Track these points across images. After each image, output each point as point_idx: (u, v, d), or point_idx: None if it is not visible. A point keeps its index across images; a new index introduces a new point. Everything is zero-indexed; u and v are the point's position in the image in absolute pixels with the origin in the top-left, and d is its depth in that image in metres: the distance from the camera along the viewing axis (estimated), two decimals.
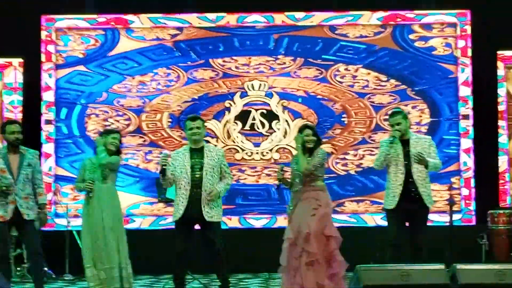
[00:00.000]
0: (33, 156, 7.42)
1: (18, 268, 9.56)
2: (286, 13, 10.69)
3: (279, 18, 10.70)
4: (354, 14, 10.67)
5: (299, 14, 10.68)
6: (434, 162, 7.34)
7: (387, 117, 9.08)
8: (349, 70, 10.70)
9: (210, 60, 10.72)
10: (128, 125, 10.63)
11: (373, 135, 10.62)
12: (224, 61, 10.73)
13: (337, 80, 10.69)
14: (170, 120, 10.70)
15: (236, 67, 10.73)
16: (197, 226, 7.26)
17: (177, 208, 7.19)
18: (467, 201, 10.42)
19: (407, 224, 7.42)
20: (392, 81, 10.67)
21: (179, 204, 7.17)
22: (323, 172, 7.22)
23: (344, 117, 10.69)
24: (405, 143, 7.40)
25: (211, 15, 10.71)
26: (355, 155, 10.63)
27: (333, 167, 10.54)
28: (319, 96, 10.68)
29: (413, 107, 10.61)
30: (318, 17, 10.69)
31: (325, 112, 10.67)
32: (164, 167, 7.12)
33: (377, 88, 10.67)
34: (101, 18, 10.72)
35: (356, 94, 10.71)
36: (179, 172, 7.17)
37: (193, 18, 10.73)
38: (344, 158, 10.64)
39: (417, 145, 7.37)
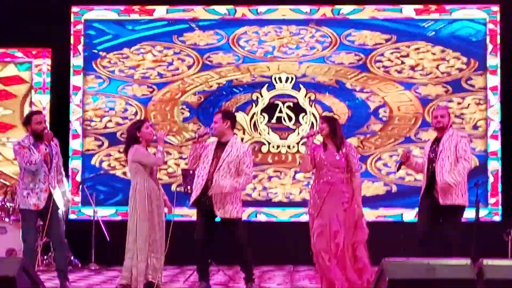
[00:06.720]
0: (57, 145, 7.49)
1: (45, 257, 9.63)
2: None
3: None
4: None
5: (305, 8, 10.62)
6: (457, 172, 7.17)
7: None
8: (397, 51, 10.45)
9: (231, 43, 10.60)
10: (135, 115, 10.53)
11: (419, 132, 10.35)
12: (246, 44, 10.60)
13: (378, 67, 10.45)
14: (185, 110, 10.60)
15: (261, 53, 10.61)
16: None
17: (194, 194, 7.25)
18: (494, 197, 10.35)
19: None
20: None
21: (195, 190, 7.24)
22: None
23: (384, 112, 10.50)
24: (438, 140, 7.33)
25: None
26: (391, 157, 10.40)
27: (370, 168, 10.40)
28: (352, 87, 10.50)
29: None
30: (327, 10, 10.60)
31: (360, 106, 10.48)
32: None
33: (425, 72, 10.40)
34: (134, 15, 10.73)
35: (400, 84, 10.47)
36: (202, 162, 7.23)
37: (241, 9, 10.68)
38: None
39: (450, 144, 7.25)
